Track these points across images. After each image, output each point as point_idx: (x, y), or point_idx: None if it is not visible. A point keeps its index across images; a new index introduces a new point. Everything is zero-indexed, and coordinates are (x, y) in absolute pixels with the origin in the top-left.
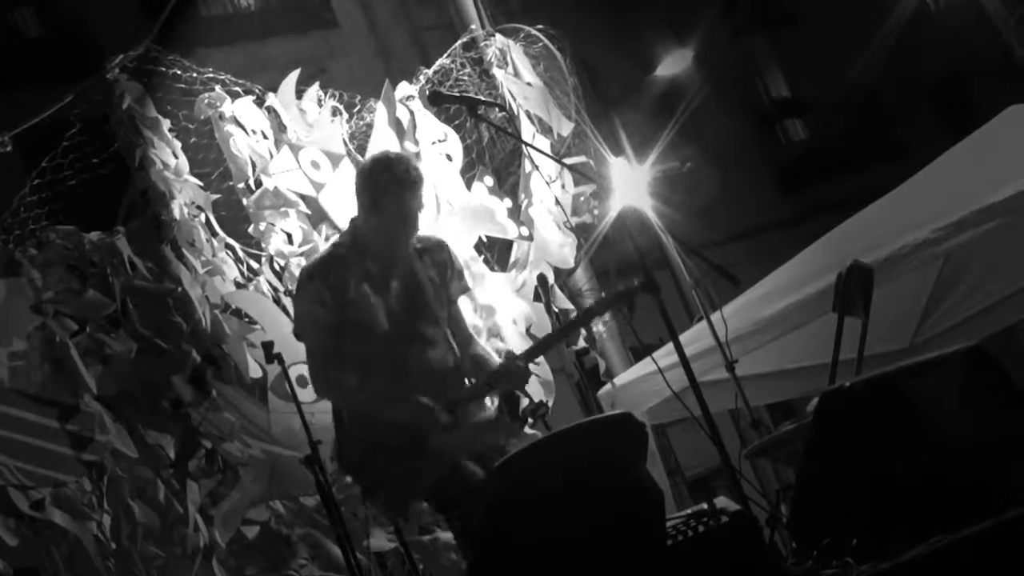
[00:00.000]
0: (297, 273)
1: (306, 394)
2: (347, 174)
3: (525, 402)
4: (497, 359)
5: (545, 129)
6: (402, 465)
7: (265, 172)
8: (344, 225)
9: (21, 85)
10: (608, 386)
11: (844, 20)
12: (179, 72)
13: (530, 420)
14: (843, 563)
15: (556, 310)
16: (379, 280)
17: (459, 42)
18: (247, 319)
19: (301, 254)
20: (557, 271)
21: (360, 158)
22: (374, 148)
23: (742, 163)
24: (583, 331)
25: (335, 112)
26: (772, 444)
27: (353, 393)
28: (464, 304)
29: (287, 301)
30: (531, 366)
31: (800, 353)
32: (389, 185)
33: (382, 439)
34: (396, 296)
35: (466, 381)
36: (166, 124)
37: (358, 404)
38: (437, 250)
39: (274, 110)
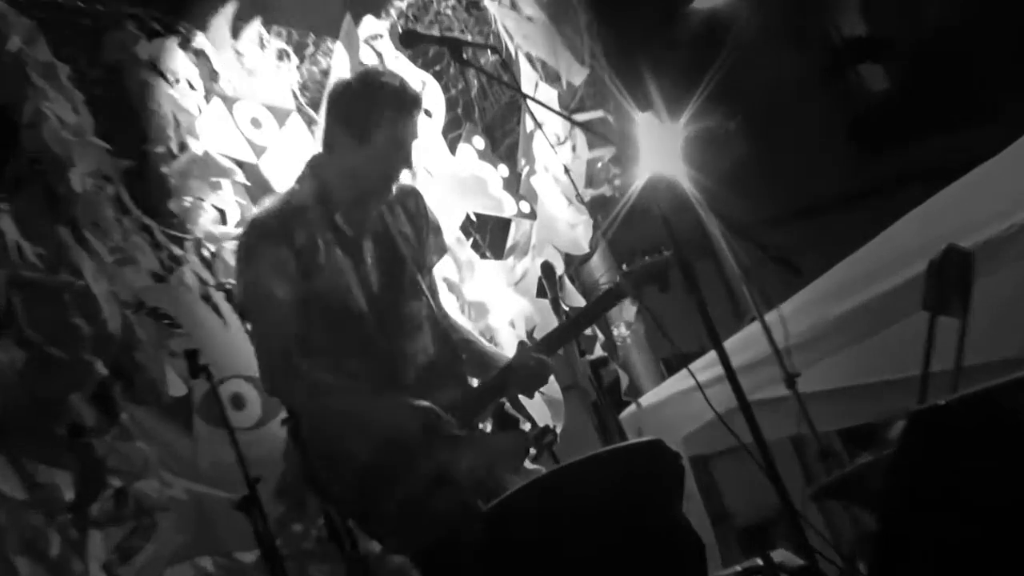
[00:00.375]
0: (232, 261)
1: (243, 417)
2: (296, 134)
3: (526, 426)
4: (491, 347)
5: (551, 77)
6: (396, 496)
7: (192, 132)
8: None
9: None
10: (633, 407)
11: None
12: (81, 4)
13: (533, 451)
14: None
15: (566, 308)
16: (351, 242)
17: None
18: (167, 321)
19: (261, 214)
20: (567, 258)
21: (314, 114)
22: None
23: (804, 120)
24: (600, 336)
25: (281, 56)
26: (846, 481)
27: (326, 392)
28: (441, 280)
29: (219, 297)
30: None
31: (881, 363)
32: (383, 106)
33: (364, 459)
34: (372, 263)
35: (449, 379)
36: (64, 71)
37: (333, 408)
38: (410, 198)
39: (204, 54)
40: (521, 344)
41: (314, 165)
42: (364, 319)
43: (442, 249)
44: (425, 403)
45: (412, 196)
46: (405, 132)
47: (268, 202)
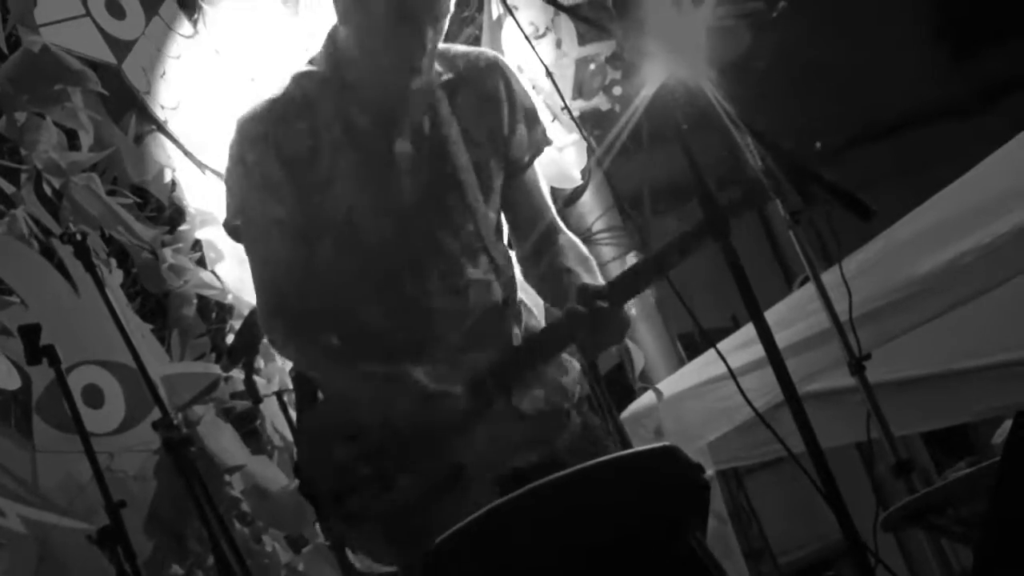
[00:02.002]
0: (81, 197)
1: (101, 419)
2: (172, 21)
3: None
4: (587, 276)
5: None
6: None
7: (25, 22)
8: (181, 119)
9: None
10: (641, 400)
11: None
12: None
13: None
14: None
15: None
16: (375, 143)
17: None
18: None
19: (94, 168)
20: (551, 194)
21: None
22: None
23: (877, 6)
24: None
25: None
26: (933, 503)
27: (314, 363)
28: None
29: (66, 252)
30: None
31: (981, 343)
32: None
33: (359, 450)
34: (408, 170)
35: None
36: None
37: (333, 378)
38: (483, 75)
39: None
40: (581, 288)
41: (331, 38)
42: (386, 251)
43: (539, 144)
44: (446, 388)
45: (491, 73)
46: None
47: (271, 91)
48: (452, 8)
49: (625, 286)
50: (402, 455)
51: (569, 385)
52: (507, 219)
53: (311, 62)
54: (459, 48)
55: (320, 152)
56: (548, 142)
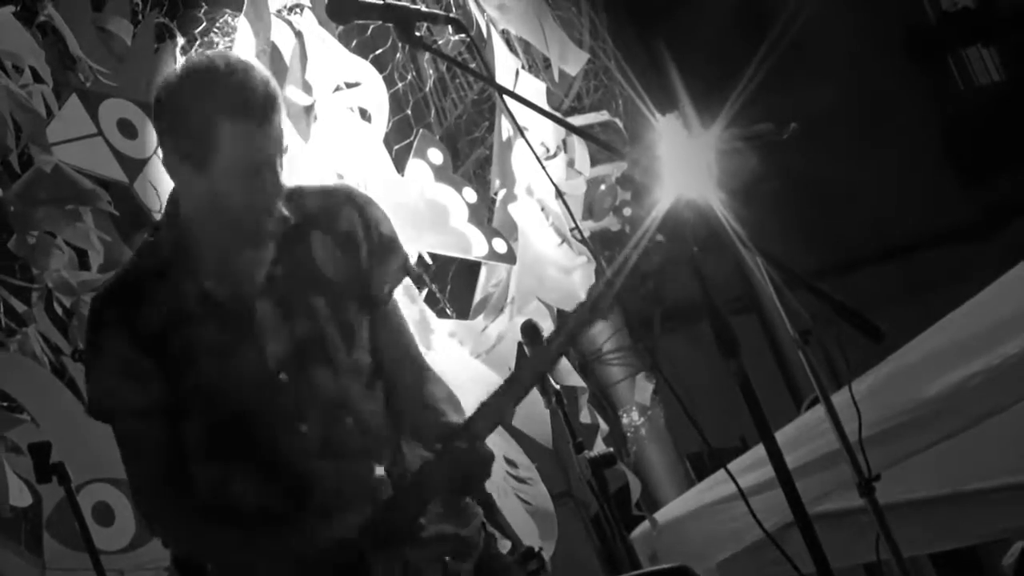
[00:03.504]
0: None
1: (111, 536)
2: None
3: (506, 545)
4: (454, 415)
5: (537, 64)
6: None
7: (37, 141)
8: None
9: None
10: (646, 524)
11: None
12: None
13: None
14: None
15: (556, 387)
16: (232, 310)
17: None
18: (5, 404)
19: (104, 288)
20: (558, 316)
21: None
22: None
23: (887, 126)
24: (603, 426)
25: (162, 34)
26: None
27: (191, 538)
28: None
29: (77, 370)
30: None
31: (992, 463)
32: (216, 115)
33: None
34: (272, 332)
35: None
36: None
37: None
38: (336, 213)
39: (54, 29)
40: (444, 425)
41: (171, 203)
42: (256, 419)
43: (399, 273)
44: (333, 537)
45: (344, 208)
46: (254, 149)
47: (118, 268)
48: (285, 147)
49: (479, 423)
50: None
51: (470, 536)
52: (373, 359)
53: (154, 230)
54: (308, 187)
55: (178, 327)
56: (407, 273)
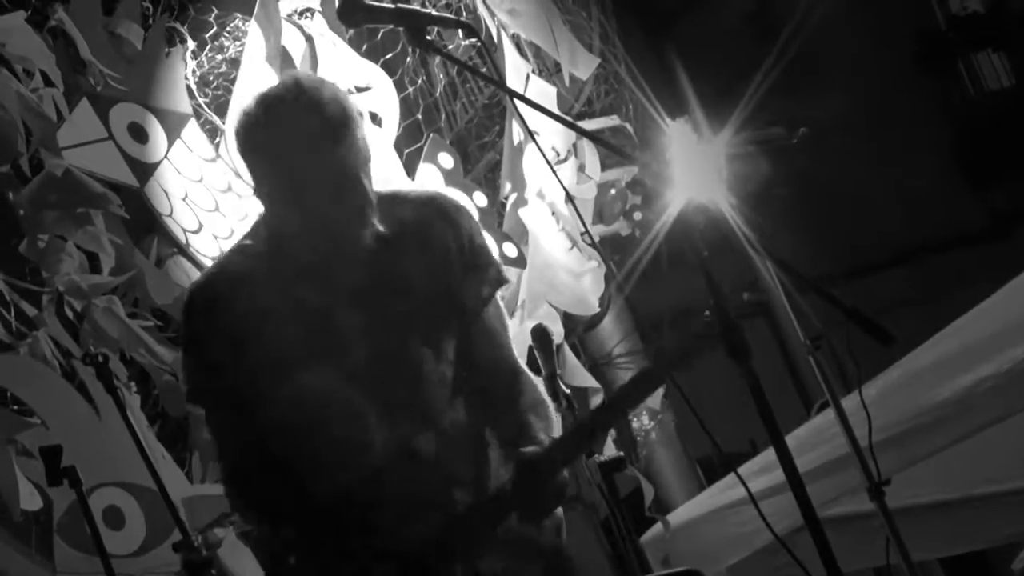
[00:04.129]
0: (102, 320)
1: (121, 540)
2: (195, 144)
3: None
4: (539, 425)
5: (548, 68)
6: None
7: (47, 145)
8: (202, 241)
9: None
10: (658, 526)
11: None
12: None
13: None
14: None
15: (566, 391)
16: (319, 314)
17: None
18: (15, 407)
19: (115, 290)
20: (568, 321)
21: (217, 120)
22: (241, 101)
23: (897, 131)
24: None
25: (173, 38)
26: None
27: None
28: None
29: (88, 374)
30: None
31: (1002, 468)
32: (247, 155)
33: None
34: (357, 337)
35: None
36: None
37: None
38: (429, 224)
39: (65, 33)
40: (520, 457)
41: (263, 217)
42: (336, 427)
43: (497, 283)
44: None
45: (437, 222)
46: (333, 171)
47: (220, 258)
48: (370, 155)
49: (558, 455)
50: None
51: (546, 539)
52: (467, 368)
53: (250, 234)
54: (403, 194)
55: (267, 325)
56: (504, 281)
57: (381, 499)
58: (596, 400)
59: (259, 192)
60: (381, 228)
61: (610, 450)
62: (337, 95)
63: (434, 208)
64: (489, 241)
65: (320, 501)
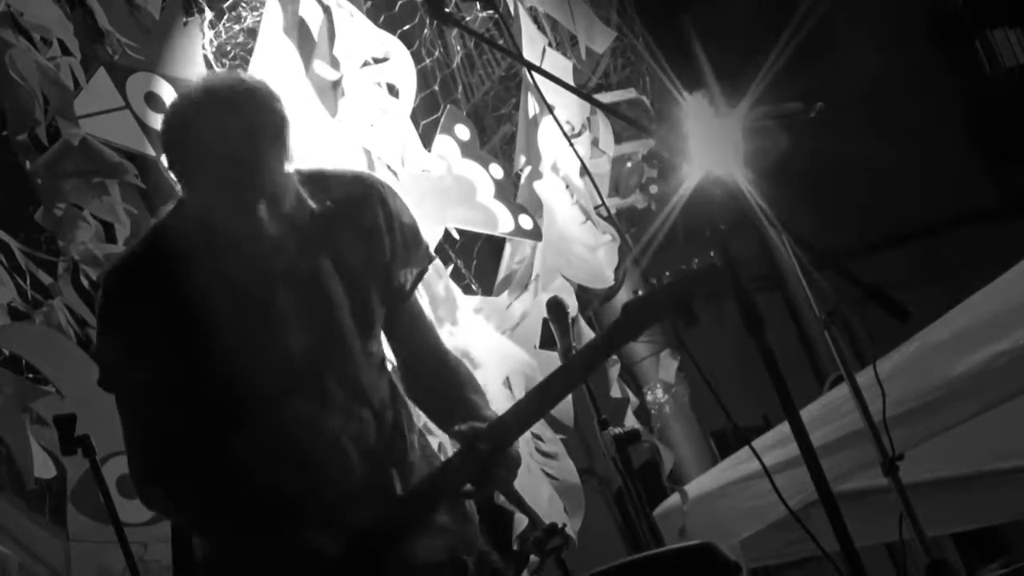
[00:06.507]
0: None
1: (135, 509)
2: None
3: (523, 523)
4: (488, 410)
5: (565, 41)
6: None
7: (64, 114)
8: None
9: None
10: (674, 497)
11: None
12: None
13: (534, 557)
14: None
15: None
16: (247, 293)
17: None
18: (31, 375)
19: (117, 261)
20: (583, 294)
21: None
22: (258, 71)
23: (913, 108)
24: (632, 399)
25: (190, 7)
26: None
27: (187, 510)
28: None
29: None
30: (537, 443)
31: (1014, 444)
32: (179, 150)
33: None
34: (284, 318)
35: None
36: None
37: (200, 528)
38: (359, 203)
39: (83, 2)
40: (470, 427)
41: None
42: (268, 405)
43: (422, 263)
44: (328, 546)
45: (368, 200)
46: (221, 171)
47: (134, 245)
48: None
49: (506, 428)
50: None
51: (471, 537)
52: (392, 349)
53: (171, 214)
54: (330, 172)
55: (193, 305)
56: (431, 259)
57: (320, 484)
58: (613, 373)
59: (183, 186)
60: (313, 204)
61: (631, 420)
62: (247, 83)
63: (363, 187)
64: (504, 212)
65: (253, 485)
